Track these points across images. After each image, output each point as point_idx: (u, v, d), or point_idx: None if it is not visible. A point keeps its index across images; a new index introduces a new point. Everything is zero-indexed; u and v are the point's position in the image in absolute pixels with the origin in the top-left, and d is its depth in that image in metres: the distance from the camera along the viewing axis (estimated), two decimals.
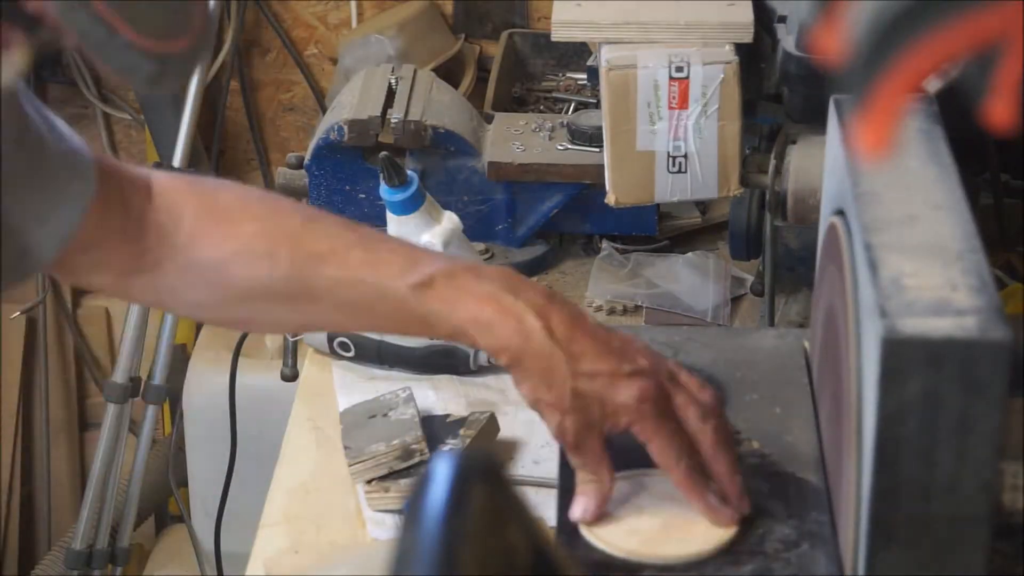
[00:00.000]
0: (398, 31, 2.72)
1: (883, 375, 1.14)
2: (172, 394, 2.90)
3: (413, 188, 1.91)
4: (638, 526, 1.34)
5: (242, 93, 2.96)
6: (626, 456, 1.37)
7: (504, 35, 2.69)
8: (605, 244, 2.23)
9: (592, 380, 1.33)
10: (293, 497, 1.78)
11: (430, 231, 1.93)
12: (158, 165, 2.83)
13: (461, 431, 1.79)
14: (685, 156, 1.84)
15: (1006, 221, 2.01)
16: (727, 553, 1.32)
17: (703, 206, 2.28)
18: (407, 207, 1.92)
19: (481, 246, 2.18)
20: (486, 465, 0.97)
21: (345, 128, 2.14)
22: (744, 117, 1.83)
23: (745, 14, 1.84)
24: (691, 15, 1.83)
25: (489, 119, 2.28)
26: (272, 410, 2.57)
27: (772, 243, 1.92)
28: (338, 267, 1.39)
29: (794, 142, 1.85)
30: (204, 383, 2.74)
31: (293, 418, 1.92)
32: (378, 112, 2.14)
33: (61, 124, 1.41)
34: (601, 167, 1.90)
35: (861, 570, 1.23)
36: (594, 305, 2.13)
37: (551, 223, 2.21)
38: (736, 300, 2.14)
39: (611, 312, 2.12)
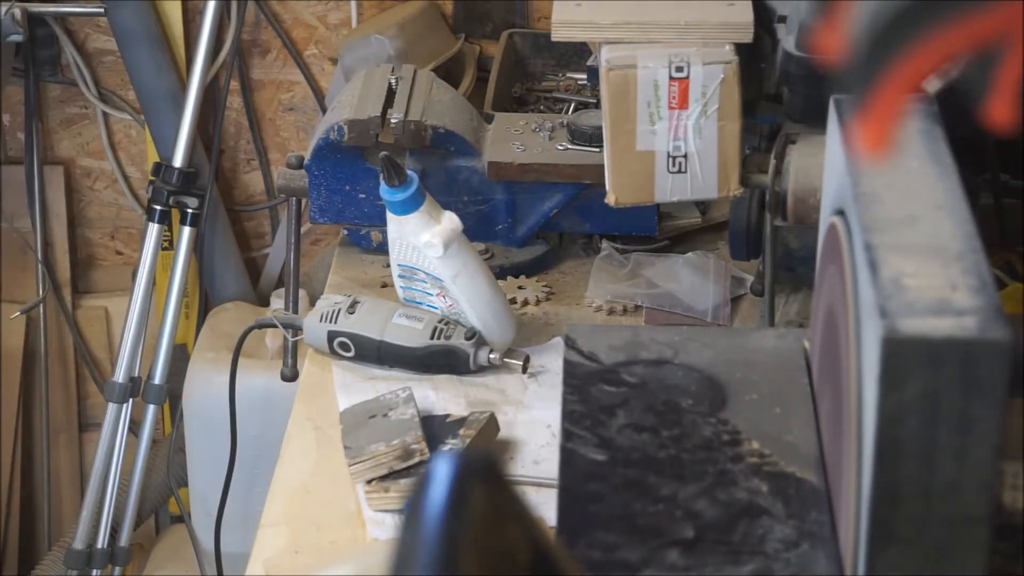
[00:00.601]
0: (398, 31, 2.72)
1: (883, 375, 1.14)
2: (172, 394, 2.90)
3: (413, 188, 1.91)
4: None
5: (242, 93, 2.96)
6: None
7: (504, 35, 2.69)
8: (605, 244, 2.23)
9: None
10: (293, 497, 1.78)
11: (430, 231, 1.93)
12: (158, 165, 2.83)
13: (461, 431, 1.79)
14: (685, 156, 1.84)
15: (1006, 221, 2.01)
16: (728, 552, 1.32)
17: (703, 206, 2.28)
18: (407, 207, 1.92)
19: (481, 246, 2.18)
20: (486, 465, 0.97)
21: (345, 128, 2.14)
22: (744, 117, 1.83)
23: (745, 14, 1.84)
24: (691, 15, 1.83)
25: (489, 119, 2.28)
26: (272, 410, 2.58)
27: (772, 243, 1.92)
28: None
29: (794, 142, 1.85)
30: (204, 383, 2.74)
31: (293, 418, 1.92)
32: (378, 112, 2.13)
33: None
34: (601, 167, 1.90)
35: (861, 570, 1.23)
36: (594, 305, 2.13)
37: (551, 223, 2.21)
38: (736, 300, 2.14)
39: (611, 312, 2.12)
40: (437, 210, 1.94)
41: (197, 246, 2.90)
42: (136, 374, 2.84)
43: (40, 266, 3.00)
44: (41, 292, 3.02)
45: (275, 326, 2.08)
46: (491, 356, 1.94)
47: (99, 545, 2.87)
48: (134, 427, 2.91)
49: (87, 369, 3.11)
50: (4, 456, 3.00)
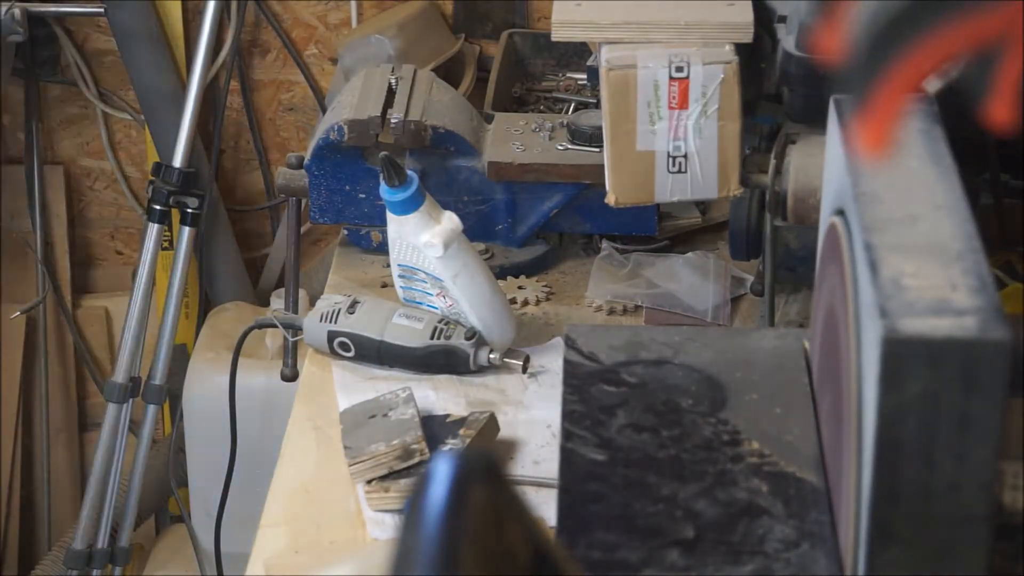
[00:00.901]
0: (398, 31, 2.72)
1: (883, 375, 1.14)
2: (172, 394, 2.90)
3: (413, 188, 1.91)
4: None
5: (242, 93, 2.96)
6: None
7: (504, 35, 2.69)
8: (605, 244, 2.23)
9: None
10: (293, 497, 1.78)
11: (430, 231, 1.93)
12: (158, 165, 2.83)
13: (461, 431, 1.79)
14: (685, 156, 1.84)
15: (1006, 221, 2.01)
16: (728, 552, 1.32)
17: (703, 206, 2.28)
18: (407, 207, 1.92)
19: (481, 246, 2.18)
20: (486, 465, 0.97)
21: (345, 128, 2.14)
22: (744, 117, 1.83)
23: (745, 14, 1.84)
24: (691, 15, 1.83)
25: (489, 119, 2.28)
26: (272, 410, 2.58)
27: (772, 243, 1.92)
28: None
29: (794, 142, 1.85)
30: (204, 383, 2.74)
31: (293, 418, 1.92)
32: (378, 112, 2.13)
33: None
34: (601, 167, 1.89)
35: (861, 570, 1.23)
36: (594, 305, 2.13)
37: (551, 223, 2.21)
38: (736, 300, 2.14)
39: (611, 312, 2.12)
40: (437, 210, 1.94)
41: (197, 246, 2.90)
42: (136, 374, 2.84)
43: (40, 266, 3.00)
44: (41, 292, 3.02)
45: (275, 326, 2.08)
46: (491, 356, 1.94)
47: (99, 545, 2.87)
48: (134, 427, 2.91)
49: (87, 369, 3.11)
50: (4, 456, 3.00)
